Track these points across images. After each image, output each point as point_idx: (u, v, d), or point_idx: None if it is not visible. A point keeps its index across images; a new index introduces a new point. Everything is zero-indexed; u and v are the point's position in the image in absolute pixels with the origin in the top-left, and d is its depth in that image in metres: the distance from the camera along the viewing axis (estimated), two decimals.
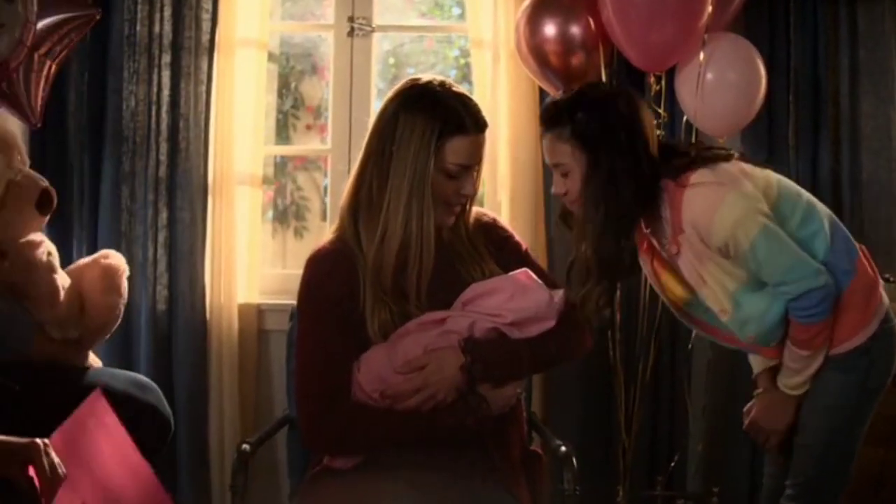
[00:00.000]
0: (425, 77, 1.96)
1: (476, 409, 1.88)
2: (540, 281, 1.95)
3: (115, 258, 2.47)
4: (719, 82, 2.70)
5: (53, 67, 2.44)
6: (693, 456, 3.07)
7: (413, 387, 1.87)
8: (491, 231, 2.08)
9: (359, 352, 1.93)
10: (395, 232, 1.90)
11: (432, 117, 1.88)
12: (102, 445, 1.72)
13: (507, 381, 1.92)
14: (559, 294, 1.97)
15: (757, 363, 2.25)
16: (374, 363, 1.89)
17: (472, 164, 1.93)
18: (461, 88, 1.96)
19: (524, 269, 1.96)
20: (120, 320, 2.48)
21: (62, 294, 2.33)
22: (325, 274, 1.95)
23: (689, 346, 2.97)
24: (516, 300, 1.90)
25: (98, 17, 2.54)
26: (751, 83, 2.76)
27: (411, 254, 1.91)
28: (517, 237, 2.13)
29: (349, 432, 1.89)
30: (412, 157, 1.89)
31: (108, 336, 2.47)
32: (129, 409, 2.16)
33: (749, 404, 2.26)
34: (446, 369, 1.86)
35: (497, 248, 2.06)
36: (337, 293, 1.92)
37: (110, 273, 2.41)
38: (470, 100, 1.94)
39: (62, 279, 2.37)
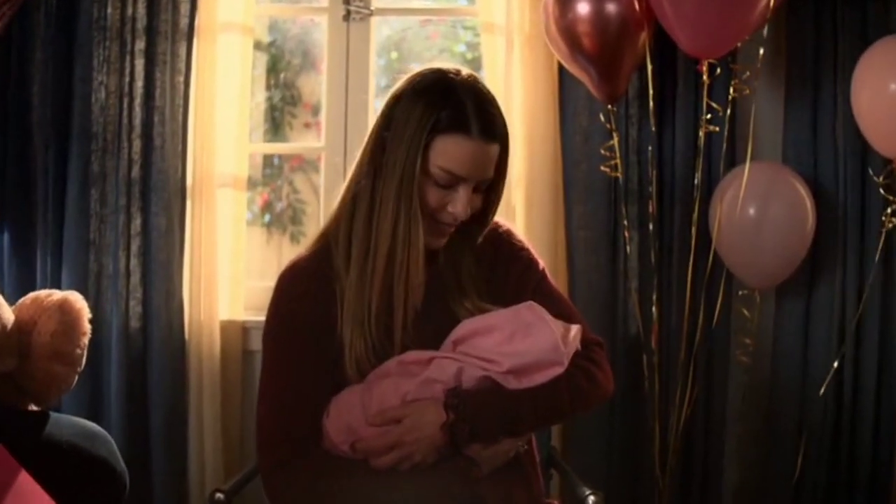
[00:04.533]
0: (449, 65, 1.67)
1: (464, 474, 1.59)
2: (548, 317, 1.62)
3: (76, 313, 2.05)
4: None
5: None
6: (730, 491, 2.83)
7: (386, 443, 1.59)
8: (502, 245, 1.77)
9: (334, 390, 1.66)
10: (384, 241, 1.63)
11: (432, 105, 1.60)
12: None
13: (502, 439, 1.63)
14: (574, 331, 1.65)
15: None
16: (346, 409, 1.63)
17: (466, 176, 1.61)
18: (487, 89, 1.65)
19: (530, 302, 1.65)
20: (70, 389, 2.10)
21: None
22: (297, 295, 1.68)
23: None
24: (516, 342, 1.60)
25: None
26: None
27: (395, 269, 1.63)
28: (535, 254, 1.82)
29: (316, 487, 1.61)
30: (404, 149, 1.60)
31: (50, 402, 2.08)
32: (75, 464, 1.90)
33: None
34: (425, 427, 1.58)
35: (506, 267, 1.76)
36: (310, 319, 1.66)
37: (66, 335, 2.01)
38: (490, 103, 1.63)
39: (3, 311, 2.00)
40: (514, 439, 1.64)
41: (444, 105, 1.59)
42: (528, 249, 1.80)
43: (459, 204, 1.61)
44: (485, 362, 1.59)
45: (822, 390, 2.67)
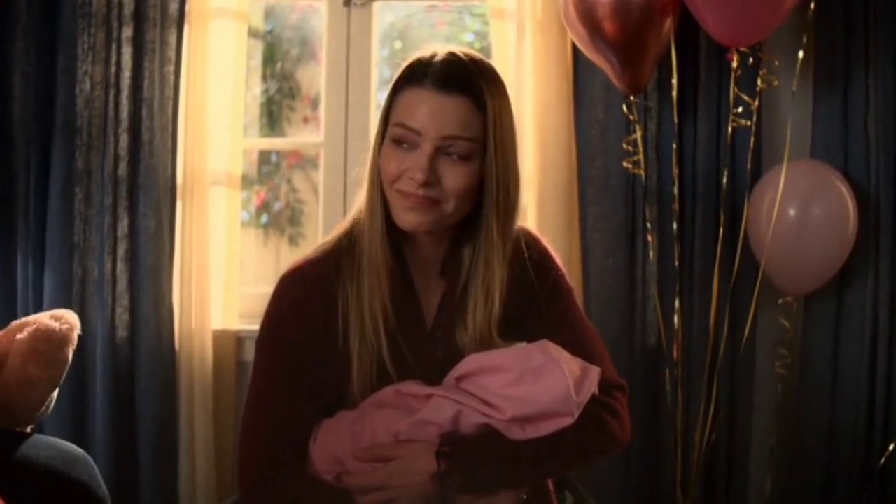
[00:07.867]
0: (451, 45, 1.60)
1: None
2: (563, 359, 1.50)
3: (63, 332, 1.93)
4: None
5: None
6: None
7: (371, 483, 1.52)
8: (530, 259, 1.64)
9: (336, 404, 1.58)
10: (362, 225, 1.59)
11: (400, 74, 1.56)
12: None
13: (498, 491, 1.52)
14: (591, 374, 1.52)
15: None
16: (334, 438, 1.56)
17: (420, 128, 1.51)
18: (469, 54, 1.56)
19: (543, 342, 1.53)
20: (46, 412, 1.98)
21: None
22: (295, 302, 1.57)
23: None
24: (525, 386, 1.49)
25: None
26: None
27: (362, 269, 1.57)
28: (564, 273, 1.69)
29: None
30: (379, 123, 1.57)
31: (26, 427, 1.96)
32: (53, 489, 1.77)
33: None
34: (414, 474, 1.49)
35: (532, 286, 1.63)
36: (308, 330, 1.55)
37: (50, 347, 1.89)
38: (459, 63, 1.53)
39: None
40: (512, 491, 1.53)
41: (409, 69, 1.55)
42: (556, 268, 1.69)
43: (414, 161, 1.50)
44: (487, 406, 1.49)
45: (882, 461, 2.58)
